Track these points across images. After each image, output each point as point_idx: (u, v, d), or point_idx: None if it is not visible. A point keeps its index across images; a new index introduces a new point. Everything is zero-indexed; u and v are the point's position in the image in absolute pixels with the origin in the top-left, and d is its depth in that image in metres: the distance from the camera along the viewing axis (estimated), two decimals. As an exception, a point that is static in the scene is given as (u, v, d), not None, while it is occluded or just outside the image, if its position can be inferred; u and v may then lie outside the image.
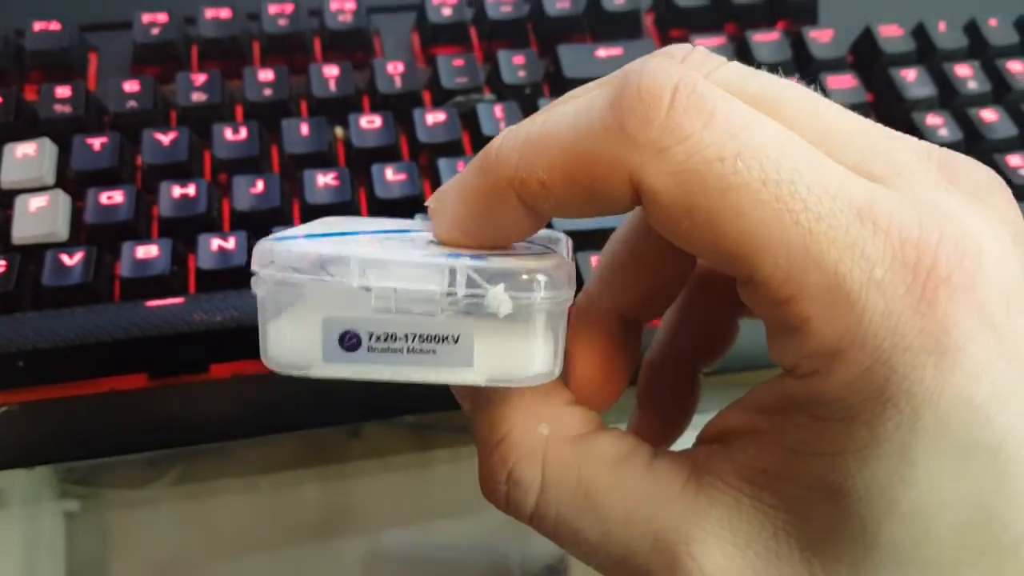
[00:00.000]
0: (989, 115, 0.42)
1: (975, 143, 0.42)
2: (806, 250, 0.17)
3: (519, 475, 0.21)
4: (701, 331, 0.26)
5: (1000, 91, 0.44)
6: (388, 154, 0.38)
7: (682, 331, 0.26)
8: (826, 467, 0.18)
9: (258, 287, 0.20)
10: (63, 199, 0.36)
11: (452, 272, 0.19)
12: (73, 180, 0.36)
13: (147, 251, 0.34)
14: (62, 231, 0.35)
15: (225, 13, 0.41)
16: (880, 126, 0.20)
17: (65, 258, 0.34)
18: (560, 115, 0.19)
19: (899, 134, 0.20)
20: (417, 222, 0.25)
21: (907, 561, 0.18)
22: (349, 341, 0.20)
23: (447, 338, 0.19)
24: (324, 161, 0.38)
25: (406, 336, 0.19)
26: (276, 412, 0.35)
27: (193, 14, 0.42)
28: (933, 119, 0.42)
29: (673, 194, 0.17)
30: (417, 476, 0.40)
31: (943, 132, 0.42)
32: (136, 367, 0.34)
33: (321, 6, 0.42)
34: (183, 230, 0.35)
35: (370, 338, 0.20)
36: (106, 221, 0.35)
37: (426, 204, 0.21)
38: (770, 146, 0.17)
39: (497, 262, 0.19)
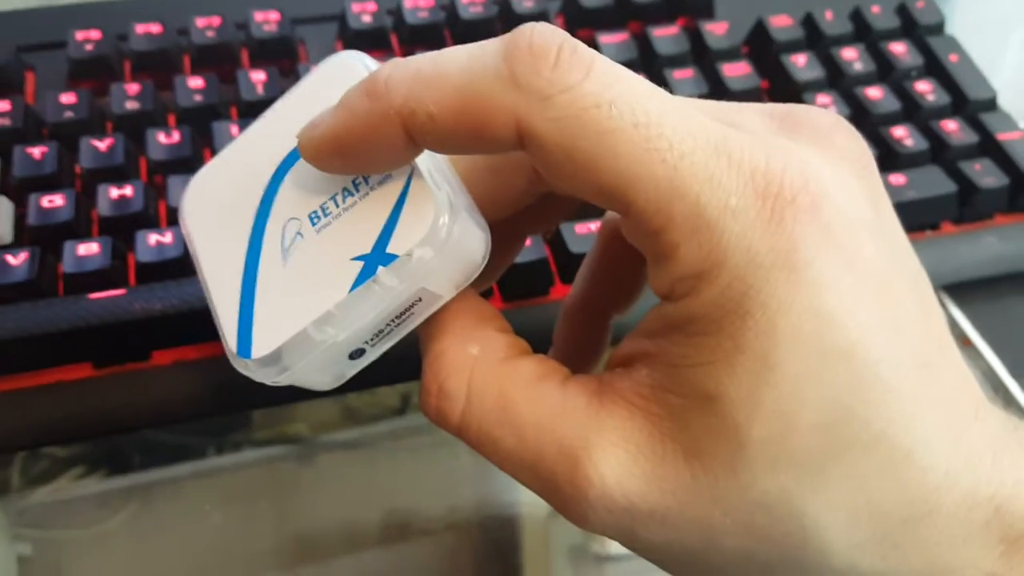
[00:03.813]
0: (874, 92, 0.46)
1: (862, 118, 0.45)
2: (671, 184, 0.19)
3: (448, 388, 0.23)
4: (612, 281, 0.29)
5: (884, 71, 0.48)
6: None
7: (595, 281, 0.29)
8: (700, 376, 0.20)
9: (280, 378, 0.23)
10: (6, 205, 0.37)
11: (377, 283, 0.22)
12: (15, 187, 0.38)
13: (88, 248, 0.36)
14: (6, 234, 0.37)
15: (156, 28, 0.43)
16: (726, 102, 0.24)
17: (10, 258, 0.36)
18: (451, 57, 0.20)
19: (748, 104, 0.24)
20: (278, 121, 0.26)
21: (776, 457, 0.20)
22: (356, 355, 0.24)
23: (413, 302, 0.23)
24: (255, 159, 0.40)
25: (390, 322, 0.23)
26: (216, 395, 0.36)
27: (125, 31, 0.44)
28: (823, 99, 0.46)
29: (556, 139, 0.20)
30: (371, 501, 0.41)
31: (832, 110, 0.45)
32: (81, 357, 0.36)
33: (247, 18, 0.45)
34: (122, 228, 0.37)
35: (367, 343, 0.23)
36: (48, 223, 0.37)
37: (296, 136, 0.22)
38: (641, 95, 0.20)
39: (402, 232, 0.22)
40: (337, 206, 0.23)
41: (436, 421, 0.23)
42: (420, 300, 0.23)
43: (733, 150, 0.20)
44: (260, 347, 0.22)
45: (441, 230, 0.21)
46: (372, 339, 0.23)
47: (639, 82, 0.20)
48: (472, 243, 0.23)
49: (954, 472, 0.20)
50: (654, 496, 0.21)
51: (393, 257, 0.21)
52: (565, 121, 0.19)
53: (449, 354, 0.23)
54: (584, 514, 0.21)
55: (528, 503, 0.41)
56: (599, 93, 0.19)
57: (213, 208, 0.25)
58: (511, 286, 0.39)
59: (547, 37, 0.20)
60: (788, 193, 0.19)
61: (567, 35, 0.20)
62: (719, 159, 0.19)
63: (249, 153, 0.25)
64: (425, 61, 0.21)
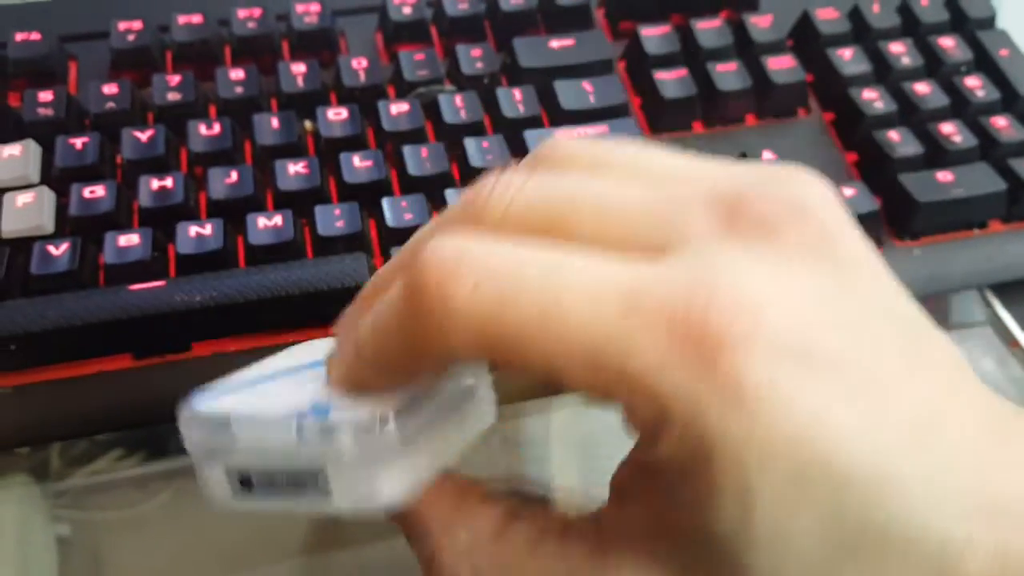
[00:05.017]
0: (922, 88, 0.45)
1: (910, 114, 0.44)
2: (589, 359, 0.18)
3: None
4: None
5: (933, 65, 0.47)
6: (355, 143, 0.41)
7: None
8: (690, 515, 0.19)
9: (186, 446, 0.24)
10: (48, 195, 0.38)
11: (300, 425, 0.21)
12: (57, 177, 0.38)
13: (128, 239, 0.36)
14: (48, 224, 0.37)
15: (196, 19, 0.44)
16: (686, 176, 0.22)
17: (52, 249, 0.36)
18: (377, 314, 0.21)
19: (704, 177, 0.21)
20: None
21: None
22: (246, 482, 0.23)
23: (312, 474, 0.22)
24: (294, 152, 0.40)
25: (284, 475, 0.23)
26: (256, 386, 0.37)
27: (166, 22, 0.44)
28: (869, 93, 0.45)
29: (474, 354, 0.20)
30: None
31: (879, 105, 0.44)
32: (121, 348, 0.36)
33: (288, 10, 0.45)
34: (162, 219, 0.37)
35: (258, 478, 0.23)
36: (89, 213, 0.37)
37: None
38: (530, 281, 0.19)
39: (347, 411, 0.22)
40: None
41: None
42: (317, 479, 0.22)
43: (644, 304, 0.18)
44: (203, 403, 0.24)
45: (375, 431, 0.21)
46: (261, 479, 0.23)
47: (531, 265, 0.19)
48: (382, 482, 0.22)
49: (978, 535, 0.18)
50: None
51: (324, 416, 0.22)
52: (472, 341, 0.20)
53: (444, 554, 0.23)
54: None
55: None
56: (487, 304, 0.19)
57: None
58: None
59: (426, 274, 0.20)
60: (715, 330, 0.18)
61: (446, 264, 0.20)
62: (629, 319, 0.18)
63: None
64: (365, 324, 0.22)
